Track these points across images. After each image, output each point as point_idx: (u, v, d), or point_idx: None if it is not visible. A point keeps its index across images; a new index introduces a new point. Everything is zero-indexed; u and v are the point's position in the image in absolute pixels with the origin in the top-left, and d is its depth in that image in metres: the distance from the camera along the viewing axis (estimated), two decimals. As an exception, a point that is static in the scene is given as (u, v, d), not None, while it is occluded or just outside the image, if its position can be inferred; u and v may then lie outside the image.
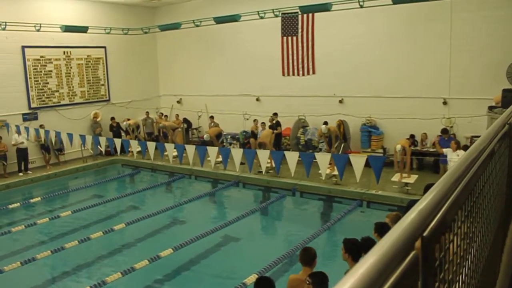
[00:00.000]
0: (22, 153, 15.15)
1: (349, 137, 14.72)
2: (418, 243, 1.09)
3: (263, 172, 12.51)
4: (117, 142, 13.74)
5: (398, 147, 11.60)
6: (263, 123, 15.53)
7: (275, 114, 15.78)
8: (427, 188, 7.18)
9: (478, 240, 2.01)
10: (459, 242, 1.54)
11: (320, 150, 14.58)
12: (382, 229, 5.38)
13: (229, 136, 16.82)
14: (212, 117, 17.45)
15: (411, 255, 1.01)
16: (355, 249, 4.80)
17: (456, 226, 1.50)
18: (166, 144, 13.30)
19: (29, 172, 15.34)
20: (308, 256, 4.96)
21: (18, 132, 14.83)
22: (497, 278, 3.02)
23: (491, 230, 2.56)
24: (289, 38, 16.17)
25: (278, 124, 15.56)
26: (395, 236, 1.00)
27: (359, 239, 5.02)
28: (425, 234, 1.13)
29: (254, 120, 16.26)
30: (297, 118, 15.67)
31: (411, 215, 1.13)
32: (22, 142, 15.01)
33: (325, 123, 14.05)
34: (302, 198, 12.58)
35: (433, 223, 1.18)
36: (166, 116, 19.20)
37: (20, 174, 15.11)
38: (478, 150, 2.07)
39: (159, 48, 20.67)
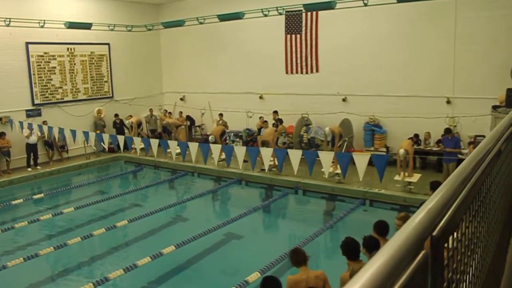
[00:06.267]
0: (31, 148, 15.20)
1: (352, 136, 14.68)
2: (427, 243, 1.08)
3: (266, 170, 12.48)
4: (120, 139, 13.75)
5: (401, 151, 11.33)
6: (265, 121, 15.53)
7: (275, 112, 15.78)
8: (433, 184, 7.09)
9: (485, 240, 2.00)
10: (466, 241, 1.53)
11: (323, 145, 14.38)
12: (380, 226, 5.37)
13: (232, 134, 16.81)
14: (221, 115, 17.42)
15: (421, 254, 1.00)
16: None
17: (463, 225, 1.49)
18: (169, 142, 13.28)
19: (38, 167, 15.34)
20: (299, 256, 5.01)
21: (30, 128, 14.78)
22: (501, 278, 3.01)
23: (497, 230, 2.54)
24: (293, 36, 16.13)
25: (280, 121, 15.57)
26: (405, 236, 0.99)
27: (361, 238, 5.00)
28: (434, 233, 1.12)
29: (260, 117, 16.25)
30: (300, 116, 15.63)
31: (421, 215, 1.12)
32: (32, 137, 15.02)
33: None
34: (305, 196, 12.56)
35: (442, 222, 1.17)
36: (170, 113, 19.21)
37: (29, 169, 15.13)
38: (485, 149, 2.06)
39: (162, 45, 20.66)
